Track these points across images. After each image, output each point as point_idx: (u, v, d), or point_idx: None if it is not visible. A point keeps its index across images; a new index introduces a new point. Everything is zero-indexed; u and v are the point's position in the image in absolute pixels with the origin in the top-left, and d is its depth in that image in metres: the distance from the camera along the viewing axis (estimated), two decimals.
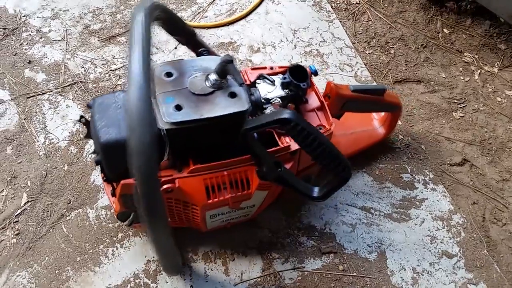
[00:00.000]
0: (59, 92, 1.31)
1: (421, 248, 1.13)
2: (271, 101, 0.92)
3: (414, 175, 1.24)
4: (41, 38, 1.42)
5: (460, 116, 1.38)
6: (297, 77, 0.93)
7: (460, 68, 1.48)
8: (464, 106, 1.40)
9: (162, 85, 0.82)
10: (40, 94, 1.30)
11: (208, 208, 0.90)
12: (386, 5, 1.62)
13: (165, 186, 0.82)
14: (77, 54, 1.40)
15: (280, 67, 0.99)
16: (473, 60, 1.50)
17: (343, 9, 1.59)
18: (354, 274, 1.07)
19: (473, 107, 1.40)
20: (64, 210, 1.11)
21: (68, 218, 1.10)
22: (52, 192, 1.14)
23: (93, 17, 1.49)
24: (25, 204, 1.12)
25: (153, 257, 1.06)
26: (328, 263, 1.08)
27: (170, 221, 0.96)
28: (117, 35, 1.45)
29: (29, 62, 1.37)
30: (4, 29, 1.42)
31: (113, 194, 0.91)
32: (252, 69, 0.99)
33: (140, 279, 1.03)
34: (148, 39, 0.64)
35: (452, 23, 1.58)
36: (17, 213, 1.10)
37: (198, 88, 0.82)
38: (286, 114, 0.78)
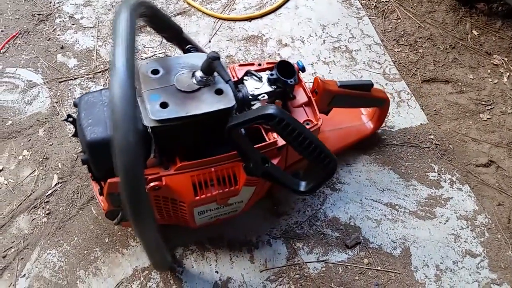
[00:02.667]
0: (91, 78, 1.33)
1: (445, 246, 1.13)
2: (258, 97, 0.92)
3: (441, 174, 1.24)
4: (73, 24, 1.45)
5: (487, 118, 1.37)
6: (285, 73, 0.93)
7: (489, 70, 1.47)
8: (491, 108, 1.39)
9: (148, 83, 0.81)
10: (72, 79, 1.33)
11: (196, 205, 0.90)
12: (415, 4, 1.61)
13: (152, 184, 0.82)
14: (108, 42, 1.42)
15: (268, 63, 0.99)
16: (502, 63, 1.49)
17: (373, 7, 1.59)
18: (379, 268, 1.07)
19: (501, 109, 1.39)
20: (94, 193, 1.13)
21: (97, 200, 1.12)
22: (82, 175, 1.16)
23: None
24: (55, 185, 1.14)
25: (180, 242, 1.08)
26: (353, 256, 1.09)
27: (159, 219, 0.96)
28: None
29: (62, 48, 1.39)
30: (39, 14, 1.45)
31: (101, 193, 0.91)
32: (240, 65, 0.99)
33: None
34: (132, 36, 0.64)
35: (482, 25, 1.57)
36: (48, 194, 1.13)
37: (184, 85, 0.82)
38: (270, 109, 0.78)
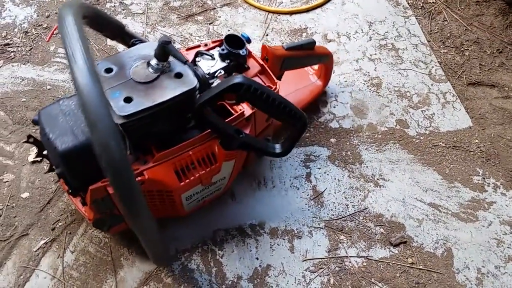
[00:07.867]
0: None
1: (487, 250, 1.11)
2: (215, 75, 0.93)
3: (485, 178, 1.22)
4: (123, 10, 1.48)
5: None
6: (234, 46, 0.95)
7: None
8: None
9: (105, 82, 0.80)
10: None
11: (183, 191, 0.90)
12: (462, 7, 1.59)
13: None
14: (157, 29, 1.44)
15: (213, 41, 1.00)
16: None
17: (420, 7, 1.57)
18: (421, 267, 1.07)
19: None
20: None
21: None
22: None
23: None
24: None
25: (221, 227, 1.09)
26: (396, 254, 1.08)
27: None
28: (195, 14, 1.49)
29: None
30: None
31: (84, 204, 0.90)
32: (187, 49, 0.99)
33: (208, 246, 1.06)
34: (84, 37, 0.63)
35: None
36: None
37: (142, 76, 0.81)
38: (236, 79, 0.81)
